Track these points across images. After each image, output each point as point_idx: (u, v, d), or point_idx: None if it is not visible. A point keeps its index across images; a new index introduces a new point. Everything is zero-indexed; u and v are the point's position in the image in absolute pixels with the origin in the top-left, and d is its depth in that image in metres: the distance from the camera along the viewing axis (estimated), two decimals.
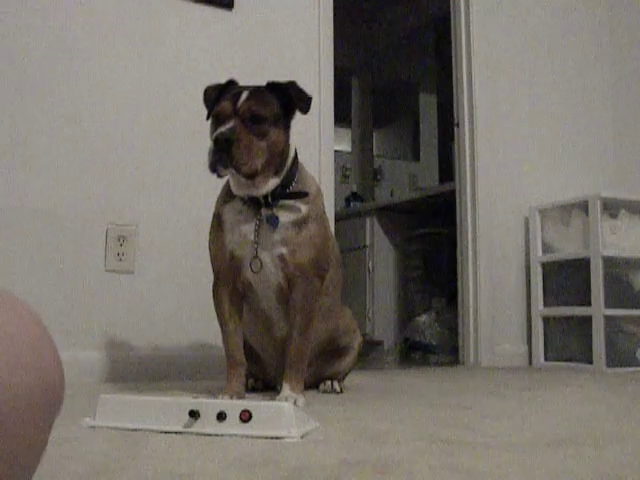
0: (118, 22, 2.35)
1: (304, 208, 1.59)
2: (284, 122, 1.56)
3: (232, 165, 1.45)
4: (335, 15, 2.83)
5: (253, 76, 1.88)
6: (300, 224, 1.57)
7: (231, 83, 1.62)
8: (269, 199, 1.56)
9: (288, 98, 1.56)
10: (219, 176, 1.51)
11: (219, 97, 1.56)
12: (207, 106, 1.60)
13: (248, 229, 1.56)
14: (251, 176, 1.50)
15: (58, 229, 2.17)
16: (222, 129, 1.45)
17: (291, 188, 1.59)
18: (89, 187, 2.24)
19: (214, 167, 1.46)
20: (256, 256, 1.55)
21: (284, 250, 1.56)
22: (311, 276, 1.59)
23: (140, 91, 2.37)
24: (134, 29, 2.38)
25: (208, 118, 1.58)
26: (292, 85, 1.57)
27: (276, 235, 1.56)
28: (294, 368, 1.59)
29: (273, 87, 1.57)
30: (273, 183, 1.56)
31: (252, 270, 1.57)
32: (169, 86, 2.43)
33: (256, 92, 1.53)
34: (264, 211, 1.56)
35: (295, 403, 1.45)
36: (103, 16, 2.33)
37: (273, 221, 1.56)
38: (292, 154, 1.61)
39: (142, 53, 2.39)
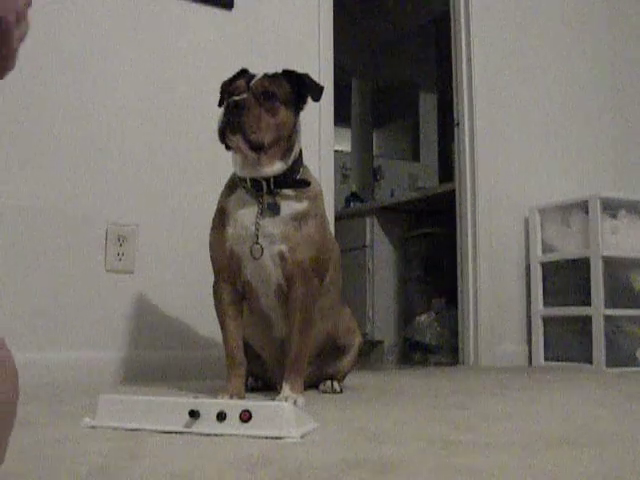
0: (118, 22, 2.35)
1: (305, 203, 1.60)
2: (294, 108, 1.61)
3: (240, 132, 1.48)
4: (335, 15, 2.83)
5: None
6: (300, 219, 1.58)
7: (244, 71, 1.66)
8: (272, 186, 1.57)
9: (301, 86, 1.61)
10: (227, 147, 1.54)
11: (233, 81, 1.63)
12: (221, 95, 1.65)
13: (250, 219, 1.57)
14: (257, 148, 1.52)
15: (58, 229, 2.17)
16: (235, 98, 1.50)
17: None
18: (89, 187, 2.24)
19: (223, 134, 1.49)
20: (257, 242, 1.56)
21: (284, 247, 1.56)
22: (311, 276, 1.59)
23: (140, 91, 2.37)
24: (134, 29, 2.38)
25: (220, 104, 1.61)
26: (306, 74, 1.63)
27: (276, 229, 1.56)
28: (294, 368, 1.59)
29: (288, 74, 1.62)
30: (278, 167, 1.58)
31: (253, 256, 1.56)
32: (169, 86, 2.43)
33: (271, 75, 1.59)
34: (266, 198, 1.57)
35: (295, 403, 1.45)
36: (103, 16, 2.33)
37: (274, 208, 1.56)
38: (298, 148, 1.64)
39: (142, 53, 2.39)
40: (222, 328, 1.64)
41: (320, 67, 2.72)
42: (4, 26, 0.60)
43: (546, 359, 3.10)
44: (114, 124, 2.31)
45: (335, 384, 1.83)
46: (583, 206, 3.02)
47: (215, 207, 1.68)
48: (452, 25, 3.32)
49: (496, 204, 3.19)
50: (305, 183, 1.62)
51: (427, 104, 5.32)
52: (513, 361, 3.14)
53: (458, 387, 2.06)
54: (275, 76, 1.60)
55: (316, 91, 1.63)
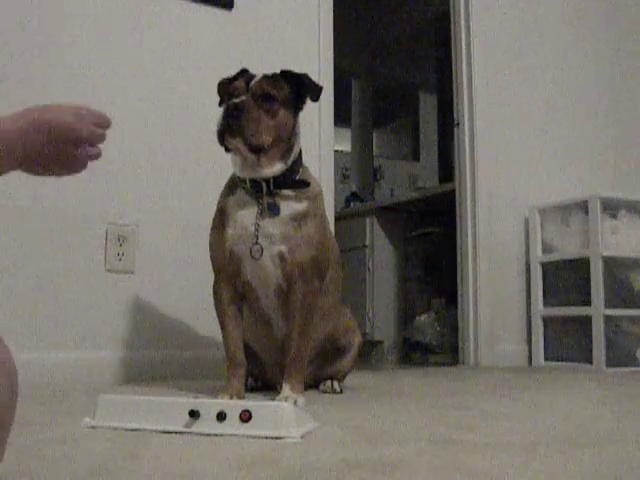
0: (118, 22, 2.35)
1: (305, 203, 1.60)
2: (293, 109, 1.61)
3: (240, 135, 1.48)
4: (335, 15, 2.83)
5: None
6: (300, 219, 1.58)
7: (244, 71, 1.66)
8: (271, 187, 1.57)
9: (299, 86, 1.62)
10: (226, 149, 1.54)
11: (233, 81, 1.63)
12: (220, 94, 1.65)
13: (249, 220, 1.57)
14: (257, 150, 1.52)
15: (58, 229, 2.17)
16: (234, 100, 1.50)
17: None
18: (89, 187, 2.24)
19: (222, 136, 1.49)
20: (257, 242, 1.55)
21: (284, 248, 1.56)
22: (310, 276, 1.59)
23: (140, 91, 2.37)
24: (134, 29, 2.38)
25: (221, 104, 1.61)
26: (304, 75, 1.63)
27: (276, 229, 1.56)
28: (294, 368, 1.59)
29: (286, 74, 1.62)
30: (278, 168, 1.58)
31: (253, 256, 1.56)
32: (169, 86, 2.43)
33: (269, 76, 1.59)
34: (266, 199, 1.57)
35: (295, 403, 1.45)
36: (103, 16, 2.33)
37: (274, 209, 1.56)
38: (298, 149, 1.64)
39: (142, 53, 2.39)
40: (222, 328, 1.64)
41: (320, 67, 2.72)
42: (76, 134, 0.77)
43: (546, 359, 3.10)
44: (114, 124, 2.30)
45: (335, 384, 1.83)
46: (583, 206, 3.02)
47: (215, 207, 1.68)
48: (452, 25, 3.32)
49: (496, 204, 3.19)
50: (305, 183, 1.62)
51: (427, 104, 5.32)
52: (513, 361, 3.14)
53: (458, 387, 2.06)
54: (274, 77, 1.60)
55: (315, 91, 1.63)
